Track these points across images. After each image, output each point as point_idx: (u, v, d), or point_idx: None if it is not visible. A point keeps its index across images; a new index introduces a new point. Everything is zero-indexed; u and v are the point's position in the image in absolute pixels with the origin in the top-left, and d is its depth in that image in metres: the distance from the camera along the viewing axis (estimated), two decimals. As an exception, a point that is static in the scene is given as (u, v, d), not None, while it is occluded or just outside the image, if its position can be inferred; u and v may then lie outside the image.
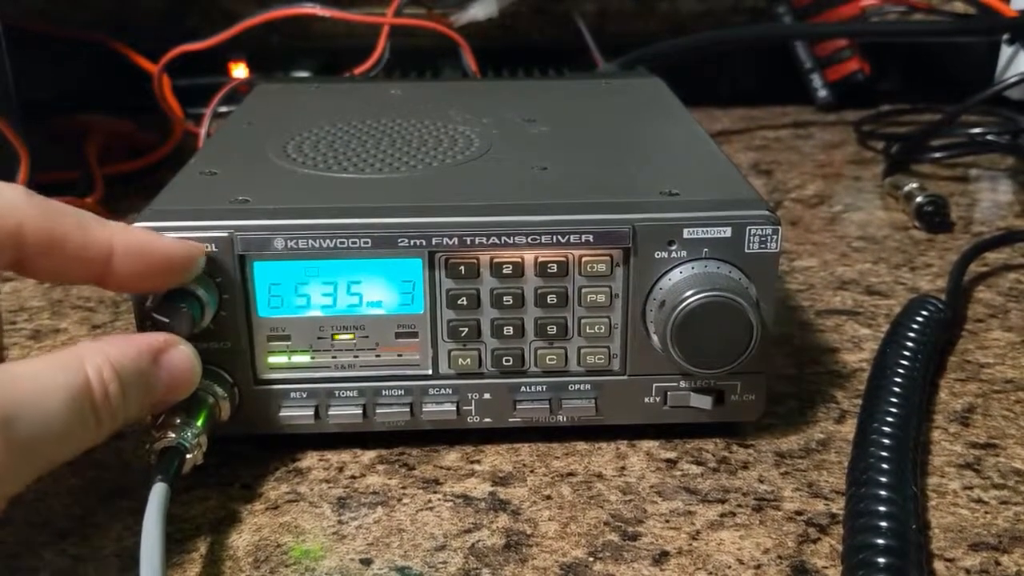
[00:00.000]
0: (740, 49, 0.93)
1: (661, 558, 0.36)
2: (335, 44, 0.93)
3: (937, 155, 0.79)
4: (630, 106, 0.56)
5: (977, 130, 0.81)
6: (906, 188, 0.69)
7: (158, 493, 0.33)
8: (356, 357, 0.40)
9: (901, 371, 0.43)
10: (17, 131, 0.57)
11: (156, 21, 0.96)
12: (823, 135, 0.90)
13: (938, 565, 0.35)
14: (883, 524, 0.34)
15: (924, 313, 0.48)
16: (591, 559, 0.36)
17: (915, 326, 0.47)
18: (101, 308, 0.56)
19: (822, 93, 0.95)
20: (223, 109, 0.72)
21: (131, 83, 0.82)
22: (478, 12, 0.83)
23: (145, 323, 0.37)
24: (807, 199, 0.74)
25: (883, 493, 0.35)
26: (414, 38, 0.82)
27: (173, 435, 0.35)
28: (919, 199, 0.67)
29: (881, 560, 0.32)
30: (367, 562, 0.35)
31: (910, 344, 0.46)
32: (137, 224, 0.38)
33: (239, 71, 0.90)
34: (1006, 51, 0.89)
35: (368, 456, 0.42)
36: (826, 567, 0.35)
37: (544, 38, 0.99)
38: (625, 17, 0.99)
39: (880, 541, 0.33)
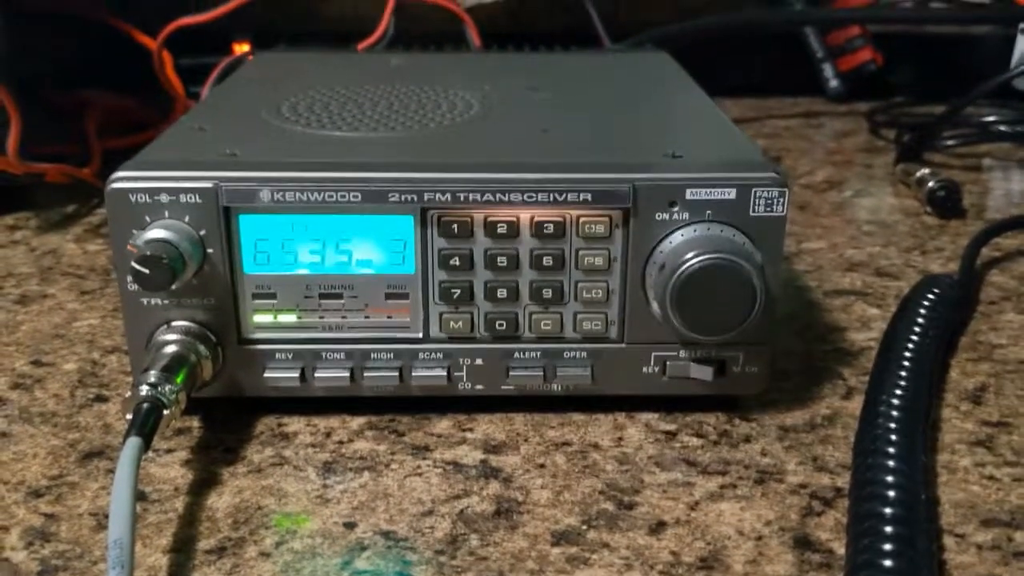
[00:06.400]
0: (750, 34, 0.91)
1: (657, 528, 0.34)
2: (341, 28, 0.92)
3: (949, 143, 0.77)
4: (635, 76, 0.55)
5: (990, 119, 0.79)
6: (918, 174, 0.68)
7: (131, 447, 0.32)
8: (344, 318, 0.39)
9: (911, 345, 0.42)
10: (11, 94, 0.56)
11: (161, 3, 0.96)
12: (834, 124, 0.89)
13: (948, 540, 0.34)
14: (891, 493, 0.32)
15: (936, 290, 0.47)
16: (584, 527, 0.34)
17: (926, 303, 0.45)
18: (92, 276, 0.55)
19: (833, 83, 0.94)
20: (223, 86, 0.71)
21: (136, 61, 0.81)
22: (486, -6, 0.81)
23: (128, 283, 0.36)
24: (816, 184, 0.72)
25: (891, 463, 0.34)
26: (419, 23, 0.81)
27: (150, 390, 0.34)
28: (931, 184, 0.66)
29: (888, 529, 0.31)
30: (351, 525, 0.34)
31: (921, 320, 0.44)
32: (121, 172, 0.36)
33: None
34: (1021, 42, 0.88)
35: (357, 422, 0.40)
36: (830, 540, 0.34)
37: (552, 24, 0.98)
38: (635, 4, 0.98)
39: (887, 510, 0.31)
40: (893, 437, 0.35)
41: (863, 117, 0.88)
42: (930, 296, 0.46)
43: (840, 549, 0.33)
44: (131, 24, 0.82)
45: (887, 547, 0.30)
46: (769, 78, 0.97)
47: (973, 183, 0.72)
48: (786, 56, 0.95)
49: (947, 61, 0.94)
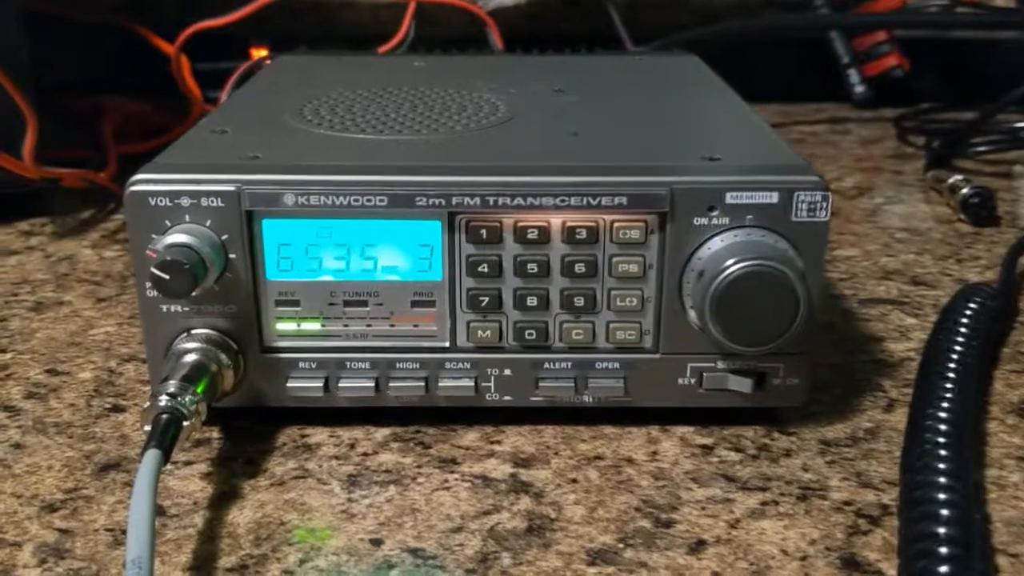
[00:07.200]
0: (775, 39, 0.89)
1: (698, 547, 0.33)
2: (360, 33, 0.91)
3: (980, 149, 0.76)
4: (665, 78, 0.53)
5: (1020, 124, 0.77)
6: (950, 180, 0.66)
7: (150, 459, 0.30)
8: (369, 326, 0.38)
9: (955, 357, 0.40)
10: (27, 97, 0.55)
11: (178, 7, 0.95)
12: (861, 131, 0.87)
13: (1002, 561, 0.32)
14: (944, 512, 0.30)
15: (977, 299, 0.45)
16: (621, 545, 0.33)
17: (968, 312, 0.44)
18: (108, 282, 0.54)
19: (859, 89, 0.92)
20: (241, 91, 0.70)
21: (154, 67, 0.80)
22: (506, -3, 0.80)
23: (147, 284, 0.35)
24: (846, 191, 0.71)
25: (942, 480, 0.32)
26: (440, 27, 0.80)
27: (169, 401, 0.33)
28: (965, 191, 0.64)
29: (943, 550, 0.29)
30: (377, 542, 0.33)
31: (964, 331, 0.42)
32: (140, 175, 0.35)
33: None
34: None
35: (382, 433, 0.39)
36: (879, 560, 0.32)
37: (573, 29, 0.96)
38: (657, 9, 0.96)
39: (941, 530, 0.30)
40: (942, 452, 0.34)
41: (890, 123, 0.86)
42: (971, 306, 0.44)
43: (891, 570, 0.31)
44: (148, 28, 0.81)
45: (943, 569, 0.29)
46: (793, 83, 0.95)
47: (1005, 190, 0.70)
48: (810, 61, 0.94)
49: (974, 66, 0.92)
